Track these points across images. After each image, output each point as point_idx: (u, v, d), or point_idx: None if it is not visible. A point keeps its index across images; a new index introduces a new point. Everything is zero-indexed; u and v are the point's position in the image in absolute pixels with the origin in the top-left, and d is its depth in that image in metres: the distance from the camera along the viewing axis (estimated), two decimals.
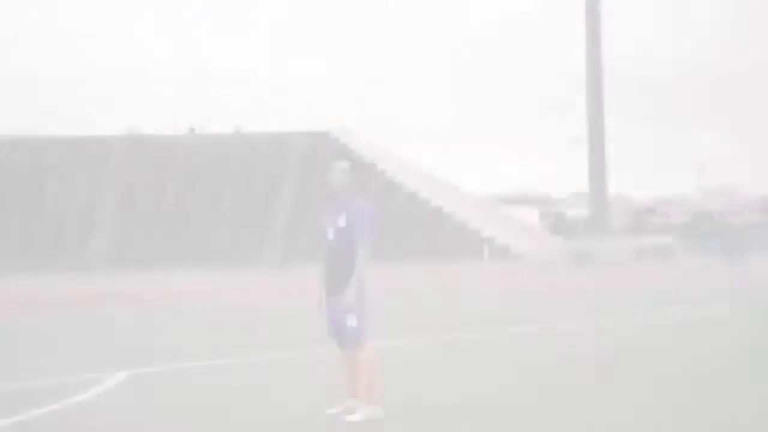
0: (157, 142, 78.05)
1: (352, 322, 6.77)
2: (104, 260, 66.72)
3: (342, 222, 6.88)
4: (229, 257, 66.68)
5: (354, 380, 7.03)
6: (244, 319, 20.68)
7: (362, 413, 6.77)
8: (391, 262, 58.82)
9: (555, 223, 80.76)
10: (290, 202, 71.73)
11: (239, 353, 12.09)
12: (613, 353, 11.00)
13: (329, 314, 6.95)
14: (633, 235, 73.65)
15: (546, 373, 9.25)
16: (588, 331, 13.95)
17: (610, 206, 73.21)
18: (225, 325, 18.75)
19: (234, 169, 75.09)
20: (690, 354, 10.68)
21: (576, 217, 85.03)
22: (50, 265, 64.57)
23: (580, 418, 6.84)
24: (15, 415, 7.45)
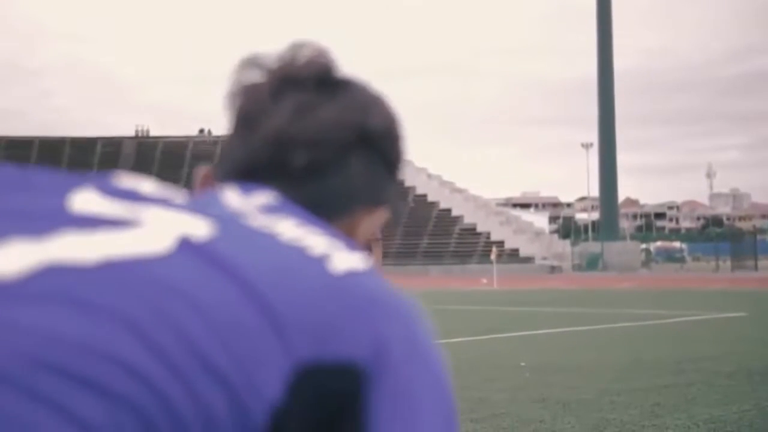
0: (167, 143, 78.28)
1: None
2: None
3: None
4: None
5: None
6: None
7: None
8: (399, 263, 58.86)
9: (564, 227, 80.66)
10: None
11: None
12: None
13: None
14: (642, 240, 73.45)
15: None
16: None
17: (619, 210, 73.11)
18: None
19: None
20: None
21: (585, 221, 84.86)
22: None
23: None
24: None
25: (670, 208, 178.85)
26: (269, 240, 0.81)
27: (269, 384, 0.73)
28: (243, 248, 0.78)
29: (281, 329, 0.74)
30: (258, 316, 0.74)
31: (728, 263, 54.46)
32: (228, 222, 0.81)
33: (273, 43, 0.98)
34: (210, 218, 0.81)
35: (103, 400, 0.68)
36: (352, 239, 0.95)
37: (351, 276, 0.80)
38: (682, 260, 67.38)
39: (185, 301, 0.73)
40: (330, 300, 0.77)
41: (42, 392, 0.67)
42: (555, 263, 60.97)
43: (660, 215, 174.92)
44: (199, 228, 0.79)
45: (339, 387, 0.75)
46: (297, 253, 0.80)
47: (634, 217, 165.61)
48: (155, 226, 0.78)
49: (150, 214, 0.80)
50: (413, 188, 71.88)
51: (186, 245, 0.76)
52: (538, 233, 70.03)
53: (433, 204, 70.35)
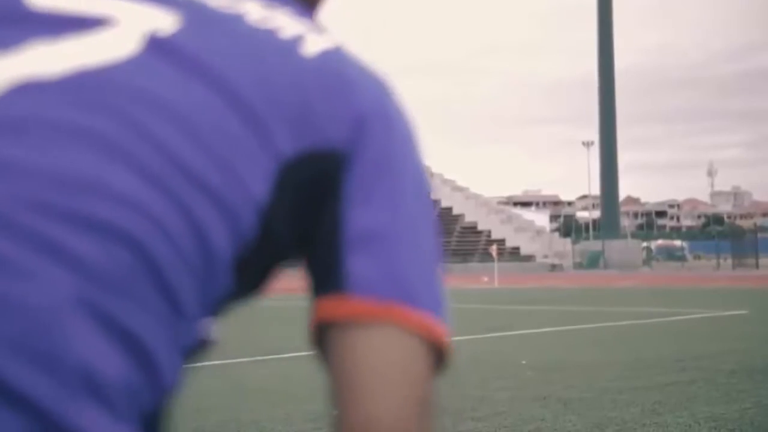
0: None
1: None
2: None
3: None
4: None
5: None
6: (256, 317, 20.67)
7: None
8: None
9: (565, 225, 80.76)
10: None
11: (251, 352, 12.07)
12: None
13: None
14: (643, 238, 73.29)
15: None
16: None
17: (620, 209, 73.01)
18: (237, 323, 18.72)
19: None
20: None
21: (586, 219, 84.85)
22: None
23: None
24: None
25: (671, 206, 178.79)
26: (236, 24, 0.76)
27: (256, 187, 0.71)
28: (213, 39, 0.75)
29: (262, 126, 0.71)
30: (237, 116, 0.71)
31: (729, 261, 54.41)
32: (192, 7, 0.77)
33: None
34: (173, 4, 0.76)
35: (95, 235, 0.64)
36: (316, 4, 0.92)
37: (324, 56, 0.77)
38: (683, 258, 67.32)
39: (163, 112, 0.69)
40: (307, 86, 0.75)
41: (30, 233, 0.62)
42: (556, 261, 60.98)
43: (661, 213, 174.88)
44: (165, 20, 0.75)
45: (321, 173, 0.74)
46: (268, 37, 0.76)
47: (635, 215, 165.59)
48: (121, 24, 0.74)
49: (112, 7, 0.75)
50: None
51: (154, 44, 0.72)
52: (539, 231, 70.05)
53: (434, 203, 70.07)
